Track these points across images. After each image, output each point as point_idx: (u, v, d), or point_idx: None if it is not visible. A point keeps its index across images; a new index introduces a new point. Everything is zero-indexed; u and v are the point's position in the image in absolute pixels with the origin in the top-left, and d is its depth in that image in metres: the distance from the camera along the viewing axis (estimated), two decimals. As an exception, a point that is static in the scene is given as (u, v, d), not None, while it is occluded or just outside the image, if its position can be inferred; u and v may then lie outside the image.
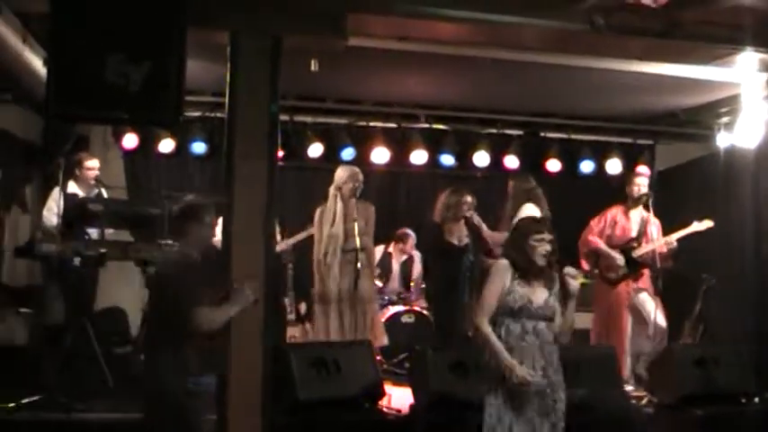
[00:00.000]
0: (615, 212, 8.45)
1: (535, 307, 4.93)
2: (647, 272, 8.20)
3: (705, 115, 9.89)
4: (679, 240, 8.16)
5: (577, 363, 6.04)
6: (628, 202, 8.40)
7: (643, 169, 10.33)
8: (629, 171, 10.53)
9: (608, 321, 8.26)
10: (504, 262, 5.05)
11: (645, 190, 8.33)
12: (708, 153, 10.36)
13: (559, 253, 5.10)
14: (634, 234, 8.26)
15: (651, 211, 8.17)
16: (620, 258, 8.22)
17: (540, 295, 4.97)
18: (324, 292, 7.93)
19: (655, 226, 8.25)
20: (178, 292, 4.55)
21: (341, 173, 8.10)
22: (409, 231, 10.27)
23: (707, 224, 8.21)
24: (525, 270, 4.99)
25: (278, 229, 7.93)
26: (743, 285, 9.38)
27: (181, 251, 4.95)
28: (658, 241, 8.13)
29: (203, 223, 4.82)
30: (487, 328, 4.91)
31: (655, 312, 7.92)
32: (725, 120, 9.58)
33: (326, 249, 7.94)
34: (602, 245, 8.33)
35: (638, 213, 8.34)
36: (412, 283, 9.94)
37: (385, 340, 8.40)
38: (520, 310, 4.91)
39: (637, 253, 8.20)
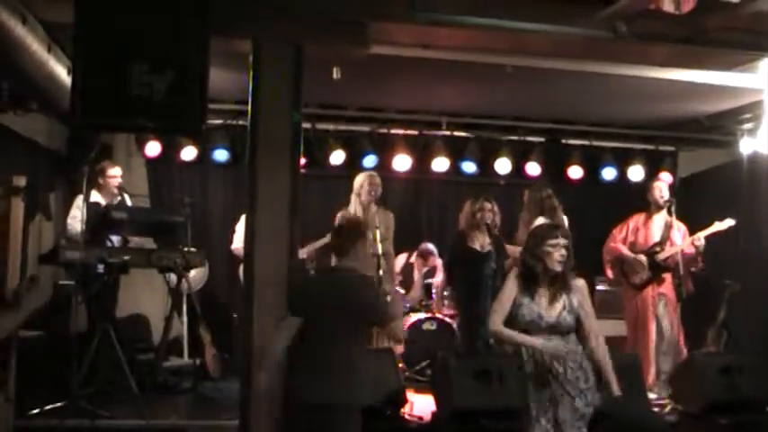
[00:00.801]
0: (637, 219, 8.44)
1: (546, 322, 4.94)
2: (668, 278, 8.17)
3: (728, 121, 9.85)
4: (712, 236, 8.14)
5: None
6: (651, 208, 8.38)
7: (664, 175, 10.30)
8: (650, 178, 10.52)
9: (636, 328, 8.26)
10: (512, 274, 5.15)
11: (666, 195, 8.31)
12: (731, 159, 10.31)
13: (576, 259, 5.11)
14: (657, 239, 8.24)
15: (674, 216, 8.15)
16: (644, 260, 8.21)
17: (553, 310, 4.97)
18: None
19: (679, 231, 8.23)
20: (374, 291, 5.30)
21: (358, 179, 8.15)
22: (432, 248, 10.20)
23: (728, 222, 8.16)
24: (539, 278, 5.01)
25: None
26: (767, 292, 9.34)
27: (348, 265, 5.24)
28: (684, 242, 8.10)
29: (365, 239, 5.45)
30: (499, 326, 5.01)
31: (669, 327, 7.94)
32: (748, 126, 9.55)
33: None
34: (625, 250, 8.33)
35: (661, 218, 8.33)
36: (434, 290, 9.93)
37: (401, 348, 8.41)
38: (528, 324, 4.95)
39: (660, 257, 8.18)
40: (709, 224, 8.20)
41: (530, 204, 8.35)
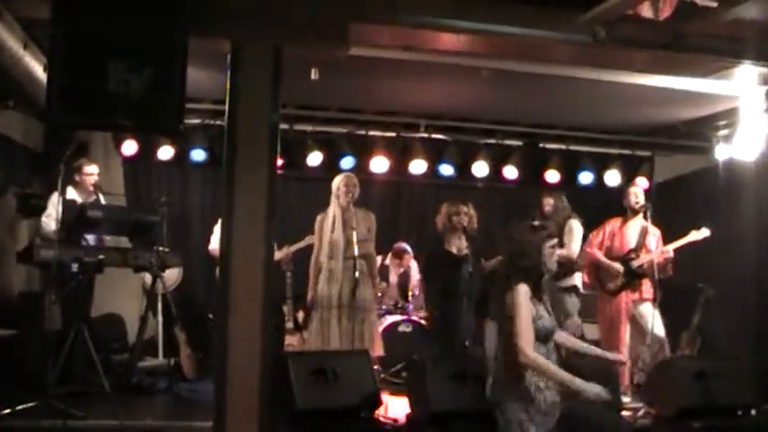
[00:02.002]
0: (614, 225, 8.48)
1: (553, 329, 4.95)
2: (647, 282, 8.21)
3: (704, 128, 9.91)
4: (677, 250, 8.19)
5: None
6: (627, 213, 8.42)
7: (640, 180, 10.36)
8: (627, 183, 10.60)
9: (609, 332, 8.30)
10: (521, 288, 4.81)
11: (642, 200, 8.36)
12: (706, 165, 10.38)
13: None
14: (633, 245, 8.28)
15: (650, 221, 8.18)
16: (618, 267, 8.26)
17: (552, 315, 4.97)
18: (322, 298, 7.92)
19: (654, 236, 8.27)
20: None
21: (336, 181, 8.13)
22: (406, 247, 10.27)
23: (704, 233, 8.24)
24: (537, 283, 4.91)
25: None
26: (742, 297, 9.41)
27: None
28: (656, 252, 8.14)
29: None
30: (534, 354, 4.71)
31: (652, 321, 7.94)
32: (724, 132, 9.61)
33: (329, 255, 7.93)
34: (600, 256, 8.37)
35: (637, 224, 8.36)
36: (410, 293, 9.94)
37: (381, 350, 8.41)
38: (544, 336, 4.86)
39: (635, 263, 8.22)
40: (685, 231, 8.27)
41: (556, 212, 8.43)
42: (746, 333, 9.33)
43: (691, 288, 8.84)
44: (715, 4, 5.89)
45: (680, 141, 10.64)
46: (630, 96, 8.39)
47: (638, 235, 8.30)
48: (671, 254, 8.15)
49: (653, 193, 10.80)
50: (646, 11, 5.97)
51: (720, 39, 6.52)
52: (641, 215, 8.33)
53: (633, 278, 8.26)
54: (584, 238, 8.70)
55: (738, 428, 6.60)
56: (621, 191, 8.92)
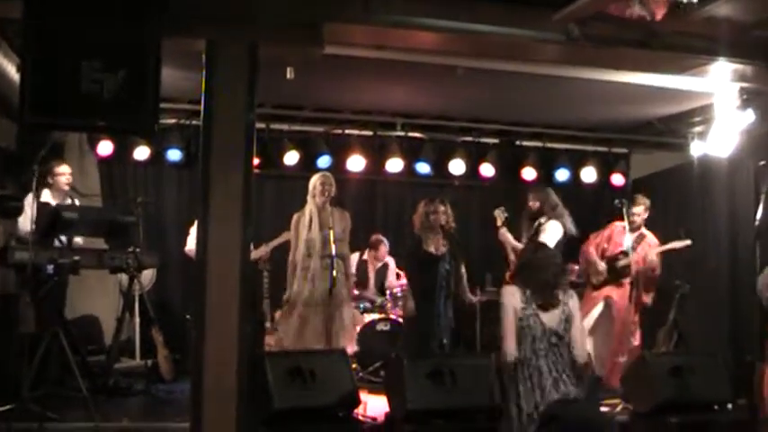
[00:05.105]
0: (614, 228, 8.61)
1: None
2: (625, 285, 8.34)
3: (679, 125, 9.96)
4: (660, 255, 8.39)
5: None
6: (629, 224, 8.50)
7: (615, 177, 10.49)
8: (603, 180, 10.71)
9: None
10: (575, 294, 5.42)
11: (645, 217, 8.57)
12: (682, 162, 10.43)
13: None
14: (624, 248, 8.40)
15: (626, 217, 8.24)
16: (602, 268, 8.49)
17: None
18: (299, 296, 7.91)
19: (649, 245, 8.48)
20: None
21: (312, 180, 8.13)
22: (382, 237, 10.31)
23: (685, 243, 8.42)
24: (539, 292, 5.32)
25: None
26: (717, 293, 9.48)
27: None
28: (639, 256, 8.34)
29: None
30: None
31: (589, 321, 8.27)
32: (698, 129, 9.66)
33: (306, 253, 7.93)
34: (592, 254, 8.66)
35: (636, 232, 8.55)
36: (388, 291, 9.95)
37: (354, 347, 8.41)
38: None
39: (620, 264, 8.41)
40: (665, 227, 8.41)
41: (545, 210, 8.46)
42: (722, 329, 9.40)
43: (667, 285, 8.89)
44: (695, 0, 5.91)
45: (656, 138, 10.68)
46: (606, 94, 8.42)
47: (634, 240, 8.44)
48: (654, 257, 8.34)
49: (629, 190, 10.86)
50: (638, 10, 5.96)
51: (694, 36, 6.55)
52: (643, 227, 8.56)
53: (615, 276, 8.46)
54: (586, 237, 8.78)
55: (714, 423, 6.64)
56: (597, 187, 8.98)
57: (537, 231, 8.18)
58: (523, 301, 5.39)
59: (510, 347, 5.38)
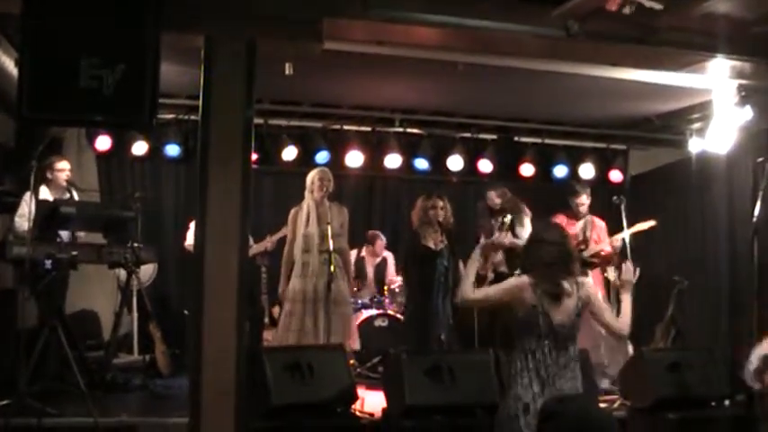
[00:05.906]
0: (560, 221, 8.61)
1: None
2: (598, 275, 8.51)
3: (677, 121, 9.97)
4: (634, 235, 8.42)
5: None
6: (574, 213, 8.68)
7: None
8: (601, 176, 10.72)
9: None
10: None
11: (586, 205, 8.69)
12: (680, 158, 10.44)
13: None
14: (580, 238, 8.50)
15: (624, 214, 8.27)
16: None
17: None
18: (297, 292, 7.91)
19: (598, 228, 8.62)
20: None
21: (310, 175, 8.13)
22: (378, 233, 10.31)
23: (649, 223, 8.51)
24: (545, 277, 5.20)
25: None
26: (715, 288, 9.49)
27: None
28: (603, 243, 8.44)
29: None
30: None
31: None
32: (697, 125, 9.67)
33: (303, 249, 7.93)
34: None
35: (582, 220, 8.69)
36: (386, 287, 9.95)
37: (357, 345, 8.39)
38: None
39: (586, 254, 8.43)
40: (659, 223, 8.40)
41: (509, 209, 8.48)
42: (720, 324, 9.41)
43: (664, 280, 8.90)
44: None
45: (654, 135, 10.70)
46: (605, 90, 8.43)
47: (582, 227, 8.57)
48: (619, 242, 8.38)
49: (627, 186, 10.88)
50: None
51: (693, 33, 6.56)
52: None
53: (584, 268, 8.44)
54: None
55: (712, 419, 6.67)
56: (596, 184, 9.01)
57: (512, 225, 8.10)
58: (533, 300, 5.20)
59: (466, 291, 5.33)
